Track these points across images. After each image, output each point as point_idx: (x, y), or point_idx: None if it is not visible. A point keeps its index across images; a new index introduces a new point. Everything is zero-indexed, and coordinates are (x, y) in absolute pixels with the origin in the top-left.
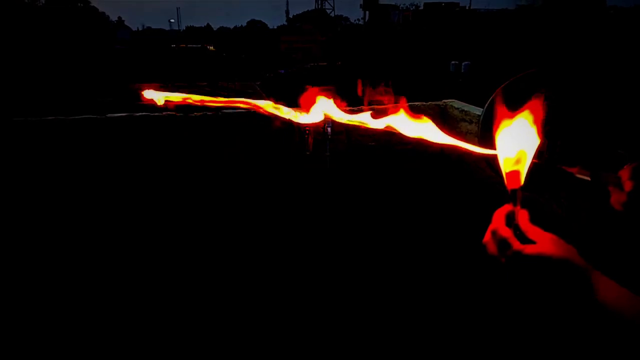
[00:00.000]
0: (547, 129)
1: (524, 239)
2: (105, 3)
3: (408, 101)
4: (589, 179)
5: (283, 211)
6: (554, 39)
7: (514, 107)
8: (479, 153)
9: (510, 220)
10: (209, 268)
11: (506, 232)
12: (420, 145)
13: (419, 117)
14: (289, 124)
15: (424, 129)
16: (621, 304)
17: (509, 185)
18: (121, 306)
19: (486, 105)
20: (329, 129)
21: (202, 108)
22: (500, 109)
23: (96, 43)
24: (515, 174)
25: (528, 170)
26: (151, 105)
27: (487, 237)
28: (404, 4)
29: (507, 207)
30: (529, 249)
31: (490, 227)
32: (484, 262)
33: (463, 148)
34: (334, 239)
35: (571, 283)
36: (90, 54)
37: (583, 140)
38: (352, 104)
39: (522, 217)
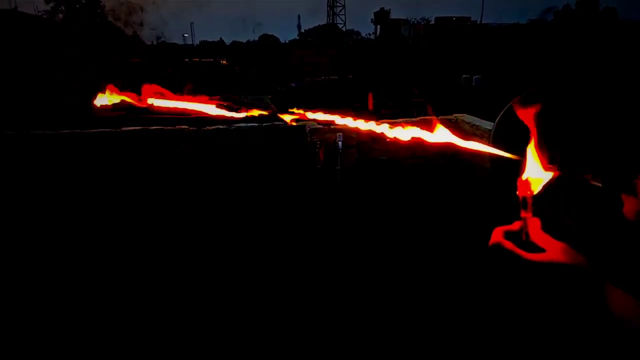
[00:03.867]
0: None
1: (531, 248)
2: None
3: (418, 115)
4: (600, 185)
5: (294, 224)
6: (566, 52)
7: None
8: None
9: (510, 235)
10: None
11: (508, 244)
12: (432, 159)
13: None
14: (301, 137)
15: (447, 137)
16: (632, 314)
17: (520, 192)
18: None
19: (497, 120)
20: (339, 142)
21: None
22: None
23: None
24: (525, 182)
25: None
26: (166, 118)
27: (490, 248)
28: (415, 18)
29: (504, 227)
30: (539, 257)
31: (491, 241)
32: (491, 270)
33: (480, 150)
34: (343, 249)
35: (582, 292)
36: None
37: (596, 150)
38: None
39: (534, 224)
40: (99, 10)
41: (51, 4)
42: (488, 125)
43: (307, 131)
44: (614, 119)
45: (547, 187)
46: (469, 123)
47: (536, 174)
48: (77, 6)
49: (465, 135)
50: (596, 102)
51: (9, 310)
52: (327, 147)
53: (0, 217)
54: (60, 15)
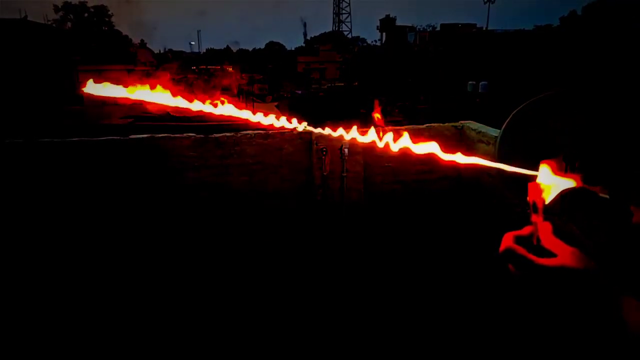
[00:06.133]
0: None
1: (541, 253)
2: (128, 26)
3: (425, 122)
4: (608, 197)
5: (299, 232)
6: (574, 60)
7: (533, 130)
8: (503, 170)
9: (520, 240)
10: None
11: (519, 249)
12: (438, 167)
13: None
14: (307, 144)
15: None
16: None
17: (531, 197)
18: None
19: (503, 127)
20: (346, 150)
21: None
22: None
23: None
24: (537, 186)
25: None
26: (176, 125)
27: (501, 254)
28: (421, 25)
29: (515, 232)
30: (551, 262)
31: (502, 247)
32: (501, 278)
33: (483, 165)
34: (352, 256)
35: (594, 297)
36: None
37: (605, 160)
38: (369, 124)
39: (545, 228)
40: (106, 19)
41: (60, 13)
42: (494, 132)
43: (313, 138)
44: (621, 130)
45: (557, 197)
46: (475, 130)
47: (552, 180)
48: (86, 15)
49: (472, 143)
50: (607, 112)
51: (13, 310)
52: (333, 154)
53: (10, 223)
54: (69, 24)
